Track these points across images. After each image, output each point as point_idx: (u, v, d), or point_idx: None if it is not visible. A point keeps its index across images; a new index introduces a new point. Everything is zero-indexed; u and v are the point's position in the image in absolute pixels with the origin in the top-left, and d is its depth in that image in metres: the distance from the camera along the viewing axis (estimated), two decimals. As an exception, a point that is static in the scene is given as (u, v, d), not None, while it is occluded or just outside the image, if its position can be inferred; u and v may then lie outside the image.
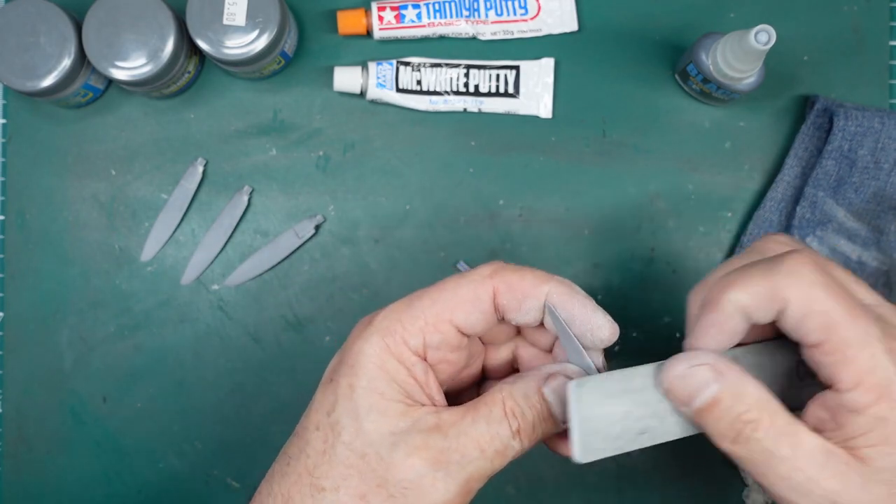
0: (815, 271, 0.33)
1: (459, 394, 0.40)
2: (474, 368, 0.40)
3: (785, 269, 0.33)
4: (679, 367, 0.33)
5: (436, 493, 0.32)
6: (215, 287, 0.59)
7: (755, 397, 0.33)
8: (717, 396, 0.33)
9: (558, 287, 0.35)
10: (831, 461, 0.32)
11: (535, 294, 0.34)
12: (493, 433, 0.33)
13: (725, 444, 0.33)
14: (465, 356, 0.36)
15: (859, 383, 0.32)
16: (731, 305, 0.33)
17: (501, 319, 0.36)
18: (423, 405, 0.34)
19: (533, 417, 0.34)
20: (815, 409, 0.33)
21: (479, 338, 0.39)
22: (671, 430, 0.35)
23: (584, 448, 0.33)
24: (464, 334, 0.35)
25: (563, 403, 0.34)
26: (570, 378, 0.34)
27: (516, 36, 0.59)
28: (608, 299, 0.59)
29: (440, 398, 0.35)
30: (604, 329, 0.35)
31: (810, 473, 0.31)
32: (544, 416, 0.34)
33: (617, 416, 0.33)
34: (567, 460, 0.34)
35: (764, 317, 0.33)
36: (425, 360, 0.34)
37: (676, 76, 0.58)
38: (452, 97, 0.59)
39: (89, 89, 0.57)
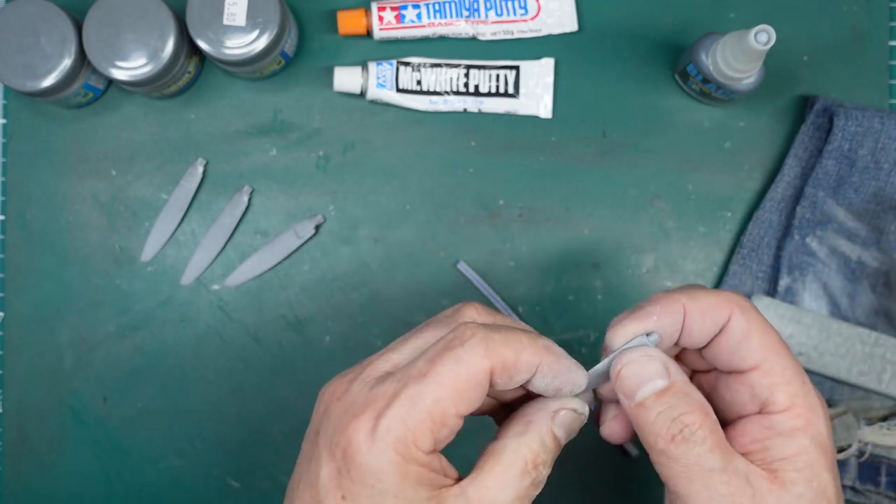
0: (752, 306, 0.35)
1: None
2: None
3: (730, 294, 0.35)
4: (633, 354, 0.34)
5: None
6: (215, 287, 0.59)
7: (699, 402, 0.33)
8: (665, 390, 0.33)
9: (548, 358, 0.34)
10: (753, 482, 0.32)
11: (528, 369, 0.34)
12: (520, 493, 0.33)
13: (661, 444, 0.33)
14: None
15: (792, 406, 0.33)
16: (678, 305, 0.35)
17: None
18: (444, 486, 0.33)
19: (551, 458, 0.35)
20: (735, 433, 0.34)
21: None
22: None
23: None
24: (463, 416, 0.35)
25: (570, 433, 0.35)
26: (574, 410, 0.35)
27: (516, 36, 0.59)
28: (608, 299, 0.59)
29: (452, 469, 0.35)
30: (582, 385, 0.35)
31: (733, 489, 0.32)
32: (558, 448, 0.35)
33: None
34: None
35: (704, 328, 0.35)
36: (434, 451, 0.34)
37: (676, 76, 0.58)
38: (452, 97, 0.59)
39: (89, 89, 0.57)
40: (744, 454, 0.33)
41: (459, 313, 0.37)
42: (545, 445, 0.34)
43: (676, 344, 0.36)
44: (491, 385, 0.33)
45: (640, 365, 0.34)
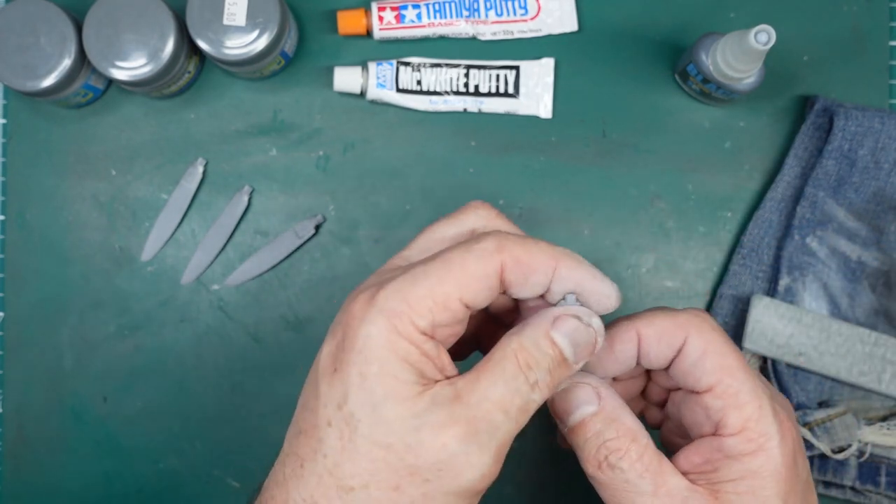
0: (714, 324, 0.35)
1: (461, 352, 0.39)
2: (471, 325, 0.38)
3: (687, 314, 0.35)
4: (564, 383, 0.35)
5: (472, 468, 0.31)
6: (215, 287, 0.60)
7: (627, 427, 0.33)
8: (590, 417, 0.34)
9: (567, 261, 0.33)
10: (690, 502, 0.33)
11: (543, 269, 0.33)
12: (512, 391, 0.32)
13: (590, 469, 0.34)
14: (467, 325, 0.35)
15: (743, 430, 0.33)
16: (631, 332, 0.35)
17: (503, 292, 0.35)
18: (438, 381, 0.32)
19: (548, 364, 0.32)
20: (688, 453, 0.34)
21: None
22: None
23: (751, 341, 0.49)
24: (469, 308, 0.33)
25: (575, 345, 0.33)
26: (578, 318, 0.33)
27: (516, 36, 0.59)
28: (608, 299, 0.59)
29: (453, 369, 0.33)
30: (611, 298, 0.34)
31: None
32: (558, 362, 0.33)
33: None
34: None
35: (660, 351, 0.35)
36: (434, 338, 0.32)
37: (676, 76, 0.58)
38: (452, 97, 0.59)
39: (89, 89, 0.57)
40: (696, 473, 0.34)
41: (470, 208, 0.36)
42: (539, 347, 0.32)
43: (638, 365, 0.37)
44: (506, 286, 0.33)
45: (572, 390, 0.34)
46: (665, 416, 0.40)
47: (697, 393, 0.34)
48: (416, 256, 0.35)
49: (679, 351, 0.35)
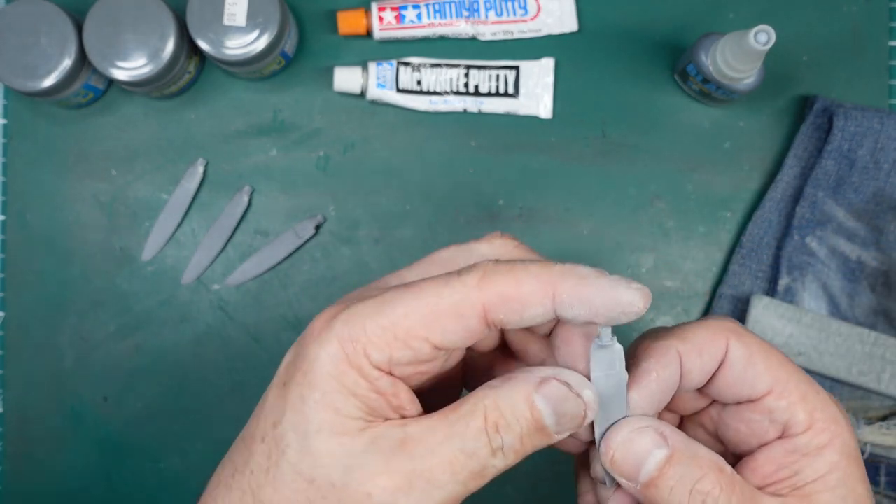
0: (742, 325, 0.32)
1: (440, 390, 0.34)
2: (454, 360, 0.33)
3: (717, 321, 0.32)
4: (621, 433, 0.30)
5: None
6: (216, 287, 0.60)
7: (708, 460, 0.29)
8: (666, 464, 0.29)
9: (567, 283, 0.28)
10: None
11: (538, 301, 0.28)
12: (469, 452, 0.28)
13: None
14: (442, 363, 0.30)
15: (813, 423, 0.30)
16: (672, 353, 0.30)
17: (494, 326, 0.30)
18: (389, 419, 0.29)
19: (521, 430, 0.28)
20: (755, 465, 0.31)
21: None
22: None
23: None
24: (440, 349, 0.29)
25: (560, 415, 0.28)
26: (567, 385, 0.29)
27: (516, 36, 0.59)
28: (608, 299, 0.59)
29: (413, 408, 0.29)
30: (634, 304, 0.28)
31: None
32: (535, 429, 0.28)
33: None
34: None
35: (704, 367, 0.31)
36: (391, 374, 0.28)
37: (676, 76, 0.58)
38: (452, 97, 0.59)
39: (90, 89, 0.57)
40: (771, 484, 0.31)
41: (487, 238, 0.33)
42: (515, 409, 0.28)
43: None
44: (494, 324, 0.28)
45: (632, 442, 0.30)
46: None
47: (752, 401, 0.31)
48: (411, 278, 0.31)
49: (721, 362, 0.31)
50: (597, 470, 0.31)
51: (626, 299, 0.28)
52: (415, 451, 0.28)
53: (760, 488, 0.31)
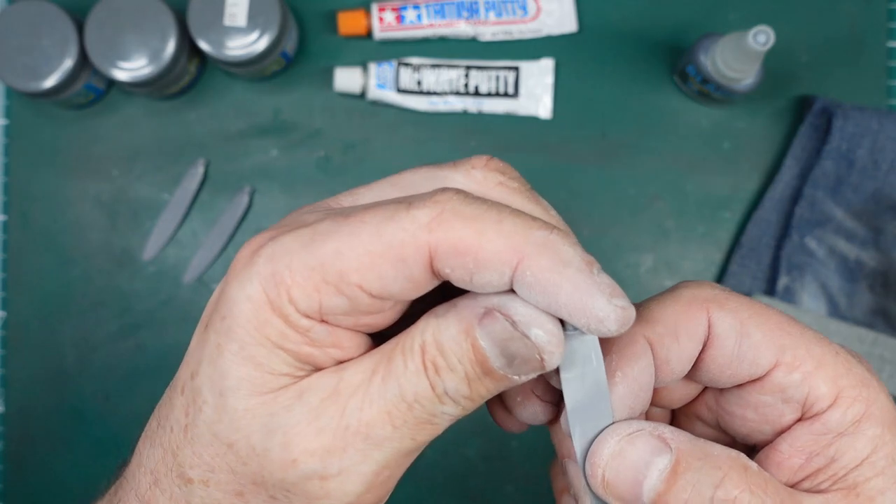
0: (721, 287, 0.26)
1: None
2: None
3: (694, 290, 0.25)
4: (608, 444, 0.24)
5: (331, 497, 0.23)
6: (216, 286, 0.60)
7: (725, 457, 0.23)
8: (671, 473, 0.23)
9: (538, 258, 0.21)
10: None
11: (495, 266, 0.22)
12: (409, 399, 0.22)
13: None
14: (394, 315, 0.24)
15: (840, 393, 0.24)
16: (639, 343, 0.25)
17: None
18: (325, 369, 0.23)
19: (465, 371, 0.22)
20: (780, 458, 0.25)
21: None
22: None
23: None
24: (381, 299, 0.23)
25: (509, 356, 0.22)
26: (514, 322, 0.22)
27: (516, 37, 0.59)
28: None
29: (358, 348, 0.24)
30: (607, 322, 0.22)
31: None
32: (481, 372, 0.22)
33: None
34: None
35: (684, 352, 0.25)
36: (324, 321, 0.23)
37: (675, 77, 0.59)
38: (452, 98, 0.59)
39: (91, 90, 0.57)
40: (805, 479, 0.24)
41: (470, 161, 0.26)
42: (456, 345, 0.22)
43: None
44: (440, 275, 0.22)
45: (625, 454, 0.23)
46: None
47: (756, 380, 0.25)
48: (367, 199, 0.26)
49: (706, 340, 0.25)
50: (577, 488, 0.25)
51: (598, 313, 0.22)
52: (348, 402, 0.22)
53: (792, 485, 0.24)
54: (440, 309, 0.23)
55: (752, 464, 0.23)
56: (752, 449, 0.26)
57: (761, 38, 0.49)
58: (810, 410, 0.24)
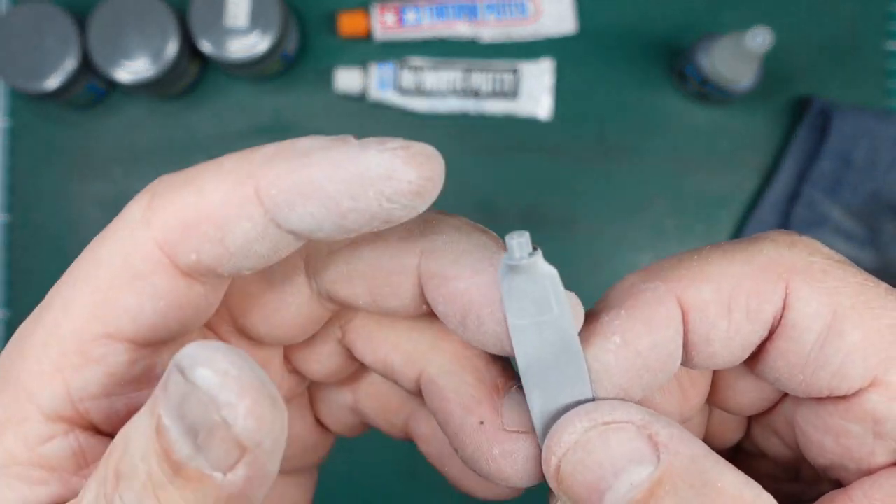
0: (829, 253, 0.19)
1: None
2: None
3: (775, 245, 0.18)
4: (574, 428, 0.17)
5: None
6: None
7: (732, 496, 0.16)
8: (657, 485, 0.16)
9: (274, 171, 0.17)
10: None
11: (238, 212, 0.17)
12: None
13: None
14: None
15: (890, 356, 0.17)
16: (668, 304, 0.17)
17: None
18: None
19: (150, 473, 0.14)
20: (822, 453, 0.18)
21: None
22: None
23: None
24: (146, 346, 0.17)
25: (190, 430, 0.14)
26: (181, 372, 0.14)
27: (516, 38, 0.60)
28: (607, 299, 0.59)
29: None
30: (397, 172, 0.16)
31: None
32: (171, 467, 0.14)
33: None
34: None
35: (735, 333, 0.17)
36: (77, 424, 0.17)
37: (674, 77, 0.59)
38: (452, 99, 0.59)
39: (93, 91, 0.58)
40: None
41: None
42: (142, 432, 0.14)
43: (684, 365, 0.18)
44: (193, 271, 0.17)
45: (592, 447, 0.17)
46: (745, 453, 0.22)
47: (842, 398, 0.17)
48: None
49: (777, 323, 0.17)
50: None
51: (377, 170, 0.15)
52: None
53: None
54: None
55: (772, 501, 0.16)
56: (837, 485, 0.18)
57: (760, 38, 0.49)
58: (845, 389, 0.17)
